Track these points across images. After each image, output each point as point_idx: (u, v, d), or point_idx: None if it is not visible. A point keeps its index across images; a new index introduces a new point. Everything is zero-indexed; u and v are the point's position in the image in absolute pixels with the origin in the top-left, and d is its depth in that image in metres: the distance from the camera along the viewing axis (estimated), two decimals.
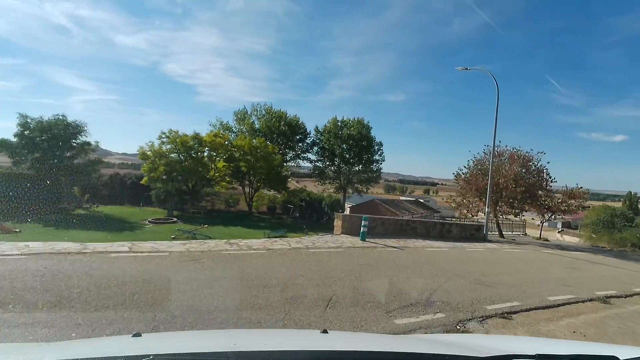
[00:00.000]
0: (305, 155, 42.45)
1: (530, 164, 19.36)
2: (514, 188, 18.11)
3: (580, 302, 6.94)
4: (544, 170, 19.38)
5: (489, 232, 16.46)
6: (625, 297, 7.82)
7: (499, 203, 19.50)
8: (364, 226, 11.79)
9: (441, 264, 9.56)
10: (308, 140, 42.42)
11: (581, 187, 20.33)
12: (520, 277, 8.71)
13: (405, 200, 56.22)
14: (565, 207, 21.36)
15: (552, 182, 19.63)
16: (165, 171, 26.59)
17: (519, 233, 26.16)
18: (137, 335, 1.62)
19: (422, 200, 66.46)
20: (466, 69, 17.11)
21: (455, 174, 20.90)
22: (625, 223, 43.69)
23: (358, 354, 1.42)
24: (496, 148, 20.31)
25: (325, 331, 1.81)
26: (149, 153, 27.17)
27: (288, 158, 41.03)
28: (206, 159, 29.61)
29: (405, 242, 12.53)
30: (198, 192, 31.06)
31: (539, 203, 20.13)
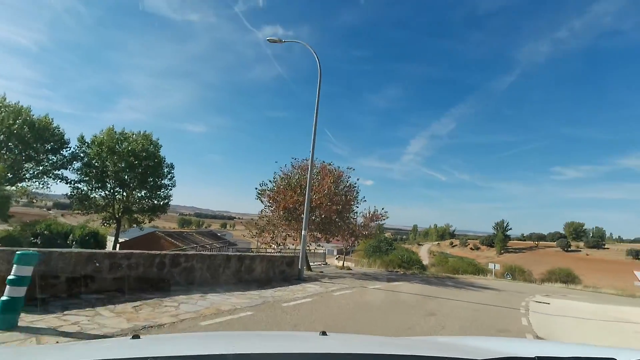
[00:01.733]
0: (60, 173, 28.25)
1: (341, 180, 16.18)
2: (329, 206, 14.09)
3: None
4: (354, 188, 16.64)
5: (301, 267, 11.32)
6: None
7: (310, 226, 15.21)
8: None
9: None
10: (66, 152, 28.54)
11: (383, 208, 18.84)
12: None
13: (198, 233, 47.51)
14: (367, 232, 19.50)
15: (362, 201, 17.18)
16: None
17: (319, 263, 23.15)
18: (136, 337, 1.60)
19: (218, 234, 59.16)
20: (280, 41, 12.40)
21: (259, 189, 15.46)
22: (388, 247, 51.02)
23: (357, 356, 1.36)
24: (305, 161, 16.41)
25: (324, 333, 1.74)
26: None
27: (27, 175, 26.45)
28: None
29: (154, 311, 5.49)
30: None
31: (348, 227, 17.16)
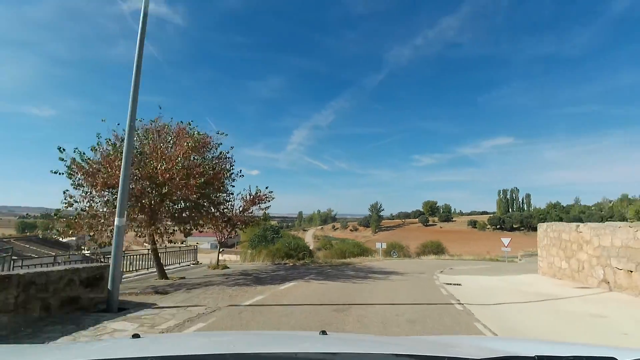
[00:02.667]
0: None
1: (208, 148, 11.53)
2: (184, 183, 9.31)
3: None
4: (228, 160, 12.16)
5: (113, 287, 6.35)
6: None
7: (159, 213, 10.10)
8: None
9: None
10: None
11: (267, 187, 14.85)
12: None
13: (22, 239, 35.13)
14: (249, 218, 15.30)
15: (239, 176, 12.82)
16: None
17: (188, 263, 17.84)
18: (136, 336, 1.59)
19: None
20: None
21: (69, 159, 9.52)
22: (274, 235, 47.75)
23: (357, 355, 1.34)
24: (157, 121, 11.13)
25: (324, 332, 1.72)
26: None
27: None
28: None
29: None
30: None
31: (218, 211, 12.62)
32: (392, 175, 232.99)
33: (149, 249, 12.47)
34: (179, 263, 16.94)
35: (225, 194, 13.14)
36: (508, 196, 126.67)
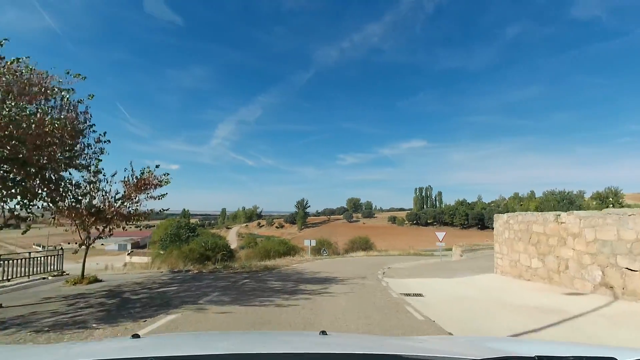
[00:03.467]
0: None
1: (50, 92, 6.95)
2: None
3: None
4: (82, 115, 7.66)
5: None
6: None
7: None
8: None
9: None
10: None
11: (158, 166, 10.48)
12: None
13: None
14: (134, 210, 10.79)
15: (105, 142, 8.39)
16: None
17: (45, 275, 12.34)
18: (136, 336, 1.59)
19: None
20: None
21: None
22: (190, 234, 41.72)
23: (357, 356, 1.28)
24: None
25: (324, 332, 1.70)
26: None
27: None
28: None
29: None
30: None
31: (70, 193, 8.08)
32: (318, 173, 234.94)
33: None
34: (28, 276, 11.48)
35: (85, 169, 8.55)
36: (423, 194, 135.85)
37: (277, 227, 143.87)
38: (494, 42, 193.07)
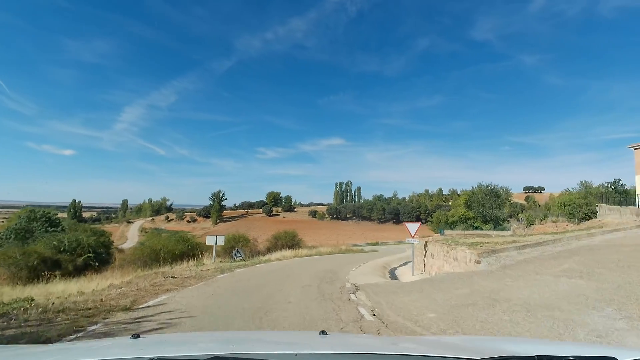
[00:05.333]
0: None
1: None
2: None
3: None
4: None
5: None
6: None
7: None
8: None
9: None
10: None
11: None
12: None
13: None
14: None
15: None
16: None
17: None
18: (136, 336, 1.55)
19: None
20: None
21: None
22: (48, 228, 29.64)
23: (357, 356, 1.30)
24: None
25: (324, 332, 1.65)
26: None
27: None
28: None
29: None
30: None
31: None
32: (237, 166, 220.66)
33: None
34: None
35: None
36: (344, 188, 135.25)
37: (188, 221, 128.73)
38: (407, 52, 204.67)
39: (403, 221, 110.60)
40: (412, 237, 12.45)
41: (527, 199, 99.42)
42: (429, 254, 11.91)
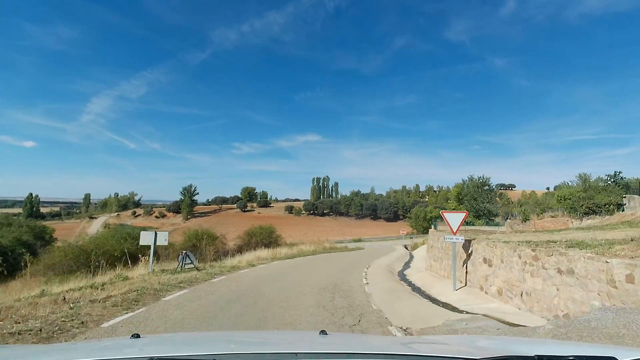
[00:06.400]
0: None
1: None
2: None
3: None
4: None
5: None
6: None
7: None
8: None
9: None
10: None
11: None
12: None
13: None
14: None
15: None
16: None
17: None
18: (136, 336, 1.54)
19: None
20: None
21: None
22: None
23: (357, 355, 1.25)
24: None
25: (323, 332, 1.63)
26: None
27: None
28: None
29: None
30: None
31: None
32: (211, 161, 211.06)
33: None
34: None
35: None
36: (321, 184, 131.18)
37: (157, 216, 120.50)
38: (384, 51, 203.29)
39: (380, 217, 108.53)
40: (454, 234, 8.38)
41: (500, 196, 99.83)
42: (476, 258, 7.93)
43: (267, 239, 23.83)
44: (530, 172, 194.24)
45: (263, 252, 18.19)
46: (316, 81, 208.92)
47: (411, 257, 20.46)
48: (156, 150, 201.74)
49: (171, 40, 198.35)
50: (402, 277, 12.08)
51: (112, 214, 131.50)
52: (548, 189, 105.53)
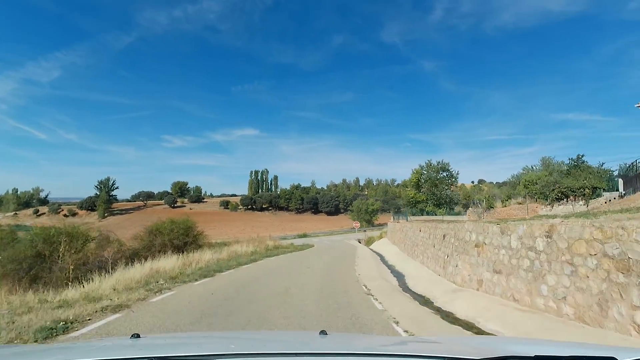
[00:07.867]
0: None
1: None
2: None
3: None
4: None
5: None
6: None
7: None
8: None
9: None
10: None
11: None
12: None
13: None
14: None
15: None
16: None
17: None
18: (136, 336, 1.52)
19: None
20: None
21: None
22: None
23: (357, 356, 1.24)
24: None
25: (323, 332, 1.60)
26: None
27: None
28: None
29: None
30: None
31: None
32: (138, 155, 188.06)
33: None
34: None
35: None
36: (259, 177, 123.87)
37: (65, 215, 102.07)
38: (323, 47, 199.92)
39: (321, 211, 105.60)
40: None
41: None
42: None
43: (182, 239, 17.68)
44: (455, 169, 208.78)
45: (167, 263, 12.23)
46: (254, 73, 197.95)
47: (381, 256, 16.24)
48: (72, 142, 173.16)
49: (89, 20, 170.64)
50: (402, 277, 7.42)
51: (8, 213, 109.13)
52: (473, 182, 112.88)
